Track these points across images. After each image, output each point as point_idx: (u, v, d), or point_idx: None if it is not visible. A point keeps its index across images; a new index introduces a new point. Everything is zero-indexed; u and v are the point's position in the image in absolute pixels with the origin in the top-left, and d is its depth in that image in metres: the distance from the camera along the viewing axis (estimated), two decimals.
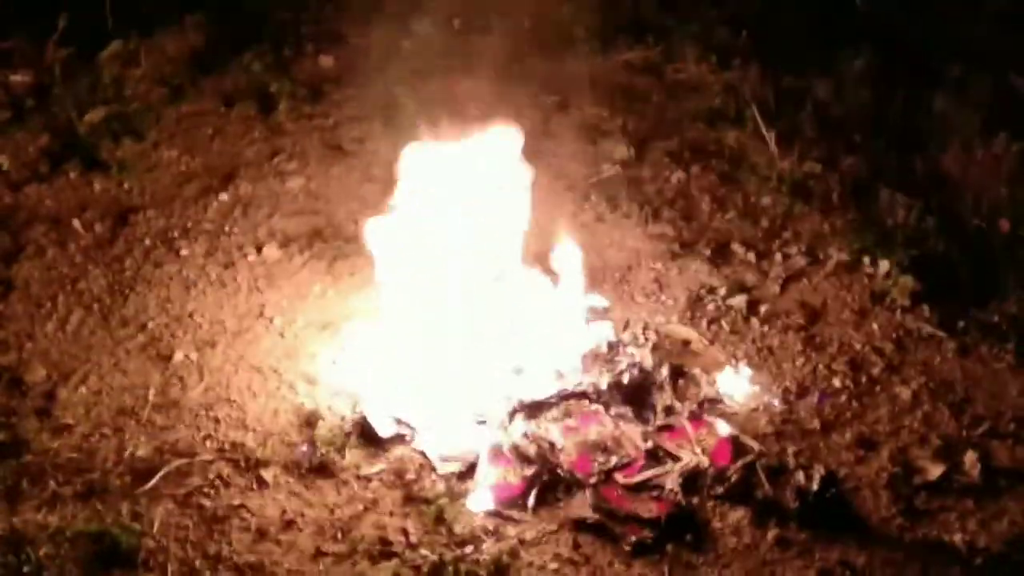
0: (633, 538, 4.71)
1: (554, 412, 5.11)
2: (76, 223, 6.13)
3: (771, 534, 4.76)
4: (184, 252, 6.00)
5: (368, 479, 4.91)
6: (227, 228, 6.17)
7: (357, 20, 7.24)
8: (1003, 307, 5.84)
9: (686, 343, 5.60)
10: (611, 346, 5.37)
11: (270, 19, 7.65)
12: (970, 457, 5.09)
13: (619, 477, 4.91)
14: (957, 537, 4.80)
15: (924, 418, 5.30)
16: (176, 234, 6.11)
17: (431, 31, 7.20)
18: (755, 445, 5.06)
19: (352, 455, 5.00)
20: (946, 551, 4.76)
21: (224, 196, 6.37)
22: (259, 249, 6.03)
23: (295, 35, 7.54)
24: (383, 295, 5.46)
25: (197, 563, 4.55)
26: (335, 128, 6.89)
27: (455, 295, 5.30)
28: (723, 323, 5.73)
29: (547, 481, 4.90)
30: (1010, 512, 4.91)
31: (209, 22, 7.56)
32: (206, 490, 4.82)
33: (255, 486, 4.85)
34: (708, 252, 6.12)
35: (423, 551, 4.62)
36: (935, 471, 5.04)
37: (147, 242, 6.05)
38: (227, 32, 7.47)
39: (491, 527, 4.76)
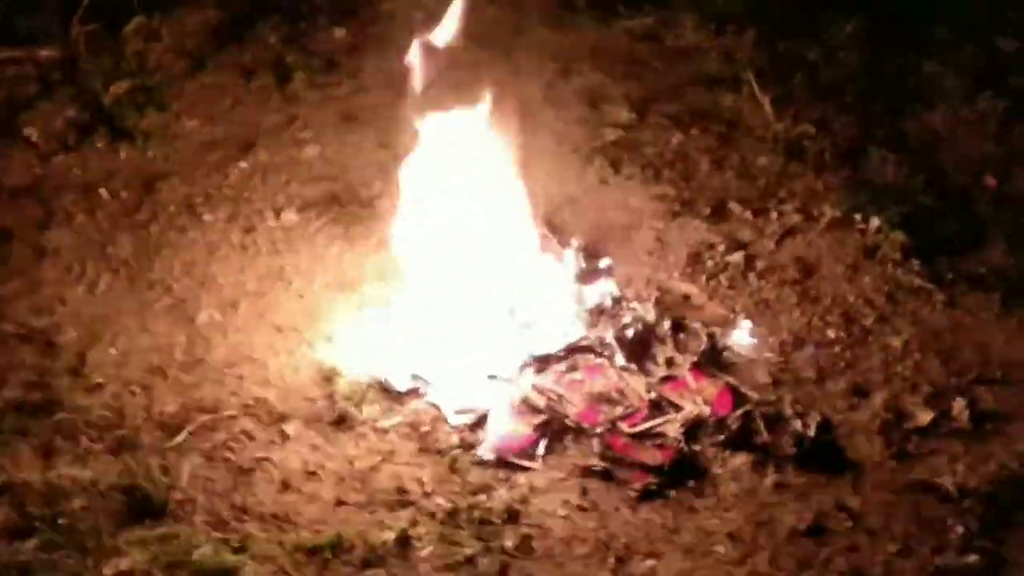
0: (638, 484, 4.83)
1: (561, 365, 5.24)
2: (103, 191, 6.22)
3: (769, 479, 4.88)
4: (207, 218, 6.09)
5: (385, 431, 5.01)
6: (247, 195, 6.25)
7: None
8: (989, 260, 5.95)
9: (687, 298, 5.70)
10: (615, 302, 5.49)
11: None
12: (959, 403, 5.20)
13: (624, 426, 5.02)
14: (947, 479, 4.89)
15: (914, 367, 5.41)
16: (199, 200, 6.19)
17: (440, 3, 7.22)
18: (754, 394, 5.18)
19: (369, 409, 5.10)
20: (936, 493, 4.85)
21: (244, 164, 6.45)
22: (278, 214, 6.11)
23: (309, 8, 7.56)
24: (399, 257, 5.58)
25: (224, 513, 4.65)
26: (349, 97, 6.93)
27: (467, 259, 5.43)
28: (722, 278, 5.82)
29: (555, 431, 5.02)
30: (997, 455, 5.01)
31: None
32: (231, 444, 4.92)
33: (278, 439, 4.96)
34: (707, 211, 6.19)
35: (438, 499, 4.74)
36: (925, 417, 5.15)
37: (171, 208, 6.13)
38: (244, 6, 7.52)
39: (502, 476, 4.87)
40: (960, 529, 4.70)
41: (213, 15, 7.48)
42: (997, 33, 7.32)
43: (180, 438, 4.94)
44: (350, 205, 6.18)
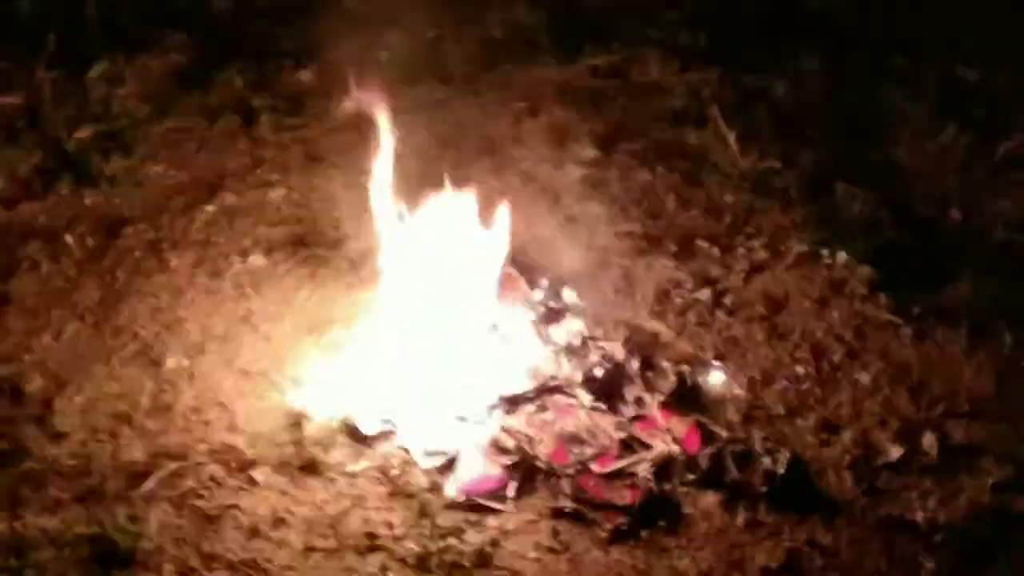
0: (609, 525, 4.83)
1: (531, 406, 5.24)
2: (68, 238, 6.17)
3: (741, 517, 4.88)
4: (173, 262, 6.05)
5: (354, 475, 5.00)
6: (214, 238, 6.22)
7: (334, 34, 7.16)
8: (955, 293, 5.95)
9: (655, 336, 5.69)
10: (583, 341, 5.49)
11: (250, 36, 7.71)
12: (928, 438, 5.23)
13: (595, 467, 5.02)
14: (918, 515, 4.93)
15: (884, 401, 5.42)
16: (165, 245, 6.16)
17: (405, 42, 7.23)
18: (723, 432, 5.19)
19: (339, 453, 5.09)
20: (908, 528, 4.89)
21: (210, 207, 6.42)
22: (245, 257, 6.09)
23: (274, 51, 7.59)
24: (368, 301, 5.61)
25: (192, 562, 4.64)
26: (315, 139, 6.94)
27: (436, 302, 5.41)
28: (690, 316, 5.82)
29: (526, 472, 5.01)
30: (968, 489, 5.03)
31: (191, 40, 7.63)
32: (200, 491, 4.91)
33: (247, 486, 4.94)
34: (674, 248, 6.20)
35: (409, 543, 4.74)
36: (895, 452, 5.18)
37: (137, 254, 6.10)
38: (208, 50, 7.55)
39: (473, 518, 4.86)
40: (932, 565, 4.73)
41: (177, 59, 7.51)
42: (958, 63, 7.34)
43: (148, 486, 4.92)
44: (317, 247, 6.17)
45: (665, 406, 5.27)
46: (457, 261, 5.46)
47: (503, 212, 5.45)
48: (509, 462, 5.03)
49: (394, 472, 5.03)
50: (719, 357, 5.62)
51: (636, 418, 5.24)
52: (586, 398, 5.26)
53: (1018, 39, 7.40)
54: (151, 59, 7.47)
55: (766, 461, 5.04)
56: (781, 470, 5.01)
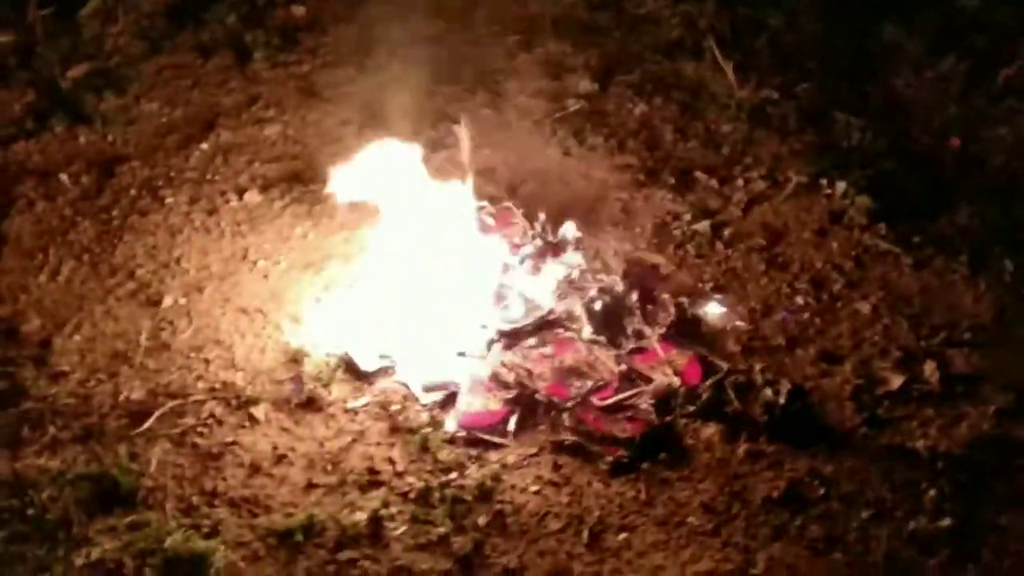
0: (610, 458, 4.84)
1: (530, 340, 5.24)
2: (63, 176, 6.17)
3: (742, 448, 4.89)
4: (169, 200, 6.05)
5: (355, 412, 5.02)
6: (209, 176, 6.21)
7: None
8: (955, 221, 5.93)
9: (654, 268, 5.68)
10: (582, 274, 5.47)
11: None
12: (929, 366, 5.22)
13: (595, 400, 5.03)
14: (919, 443, 4.93)
15: (884, 331, 5.41)
16: (160, 183, 6.15)
17: None
18: (723, 364, 5.19)
19: (338, 389, 5.10)
20: (909, 456, 4.89)
21: (205, 145, 6.41)
22: (241, 195, 6.08)
23: None
24: (366, 237, 5.59)
25: (194, 499, 4.68)
26: (310, 75, 6.89)
27: (431, 235, 5.41)
28: (689, 248, 5.81)
29: (526, 407, 5.01)
30: (968, 417, 5.04)
31: None
32: (200, 429, 4.94)
33: (247, 423, 4.97)
34: (672, 180, 6.17)
35: (410, 478, 4.76)
36: (896, 381, 5.17)
37: (133, 192, 6.10)
38: None
39: (474, 453, 4.88)
40: (933, 493, 4.73)
41: None
42: None
43: (148, 424, 4.94)
44: (313, 184, 6.12)
45: (665, 338, 5.27)
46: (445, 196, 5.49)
47: (462, 131, 5.44)
48: (509, 396, 5.03)
49: (394, 408, 5.04)
50: (719, 289, 5.61)
51: (636, 351, 5.24)
52: (586, 331, 5.26)
53: None
54: None
55: (767, 392, 5.05)
56: (782, 401, 5.02)
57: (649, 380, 5.10)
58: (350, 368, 5.17)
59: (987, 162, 6.29)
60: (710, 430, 4.96)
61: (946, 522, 4.63)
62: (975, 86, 6.67)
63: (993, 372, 5.23)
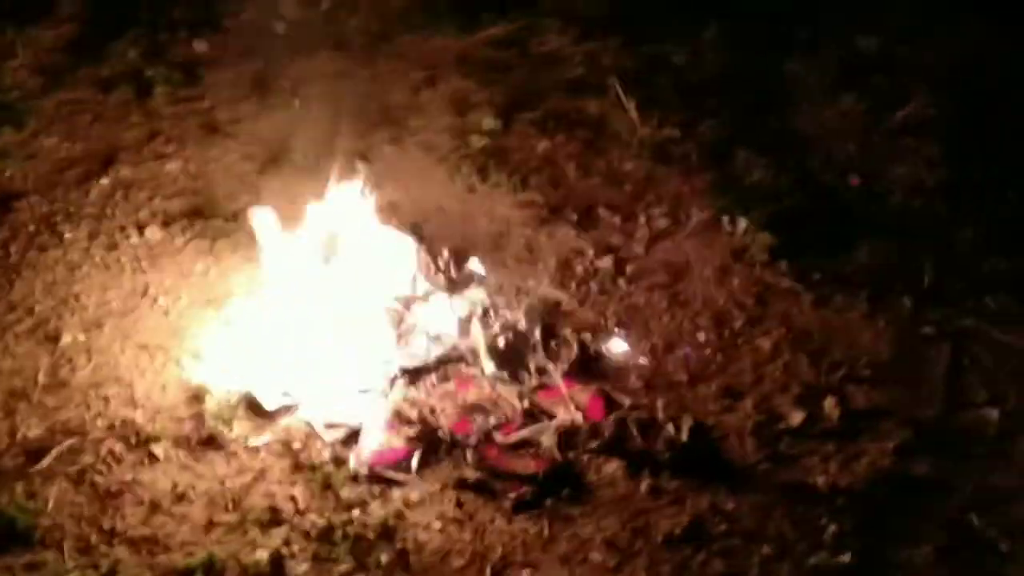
0: (513, 495, 4.82)
1: (433, 377, 5.23)
2: None
3: (644, 484, 4.88)
4: (68, 236, 5.99)
5: (256, 450, 4.99)
6: (109, 211, 6.16)
7: (229, 4, 7.20)
8: (855, 259, 5.96)
9: (557, 305, 5.68)
10: (485, 311, 5.47)
11: (143, 5, 7.56)
12: (829, 402, 5.23)
13: (498, 437, 5.03)
14: (820, 479, 4.93)
15: (785, 367, 5.42)
16: (59, 219, 6.09)
17: (301, 12, 7.18)
18: (626, 400, 5.19)
19: (240, 427, 5.06)
20: (810, 492, 4.90)
21: (105, 180, 6.35)
22: (141, 231, 6.03)
23: (168, 20, 7.46)
24: (265, 272, 5.53)
25: (93, 538, 4.62)
26: (211, 110, 6.86)
27: (335, 273, 5.41)
28: (592, 284, 5.81)
29: (429, 443, 5.00)
30: (868, 453, 5.05)
31: (83, 10, 7.50)
32: (98, 467, 4.87)
33: (146, 461, 4.91)
34: (575, 217, 6.18)
35: (312, 516, 4.72)
36: (797, 417, 5.18)
37: (31, 228, 6.04)
38: (101, 20, 7.42)
39: (376, 491, 4.85)
40: (833, 528, 4.74)
41: (69, 29, 7.39)
42: (857, 33, 7.37)
43: (45, 462, 4.88)
44: (215, 219, 6.11)
45: (568, 375, 5.28)
46: (350, 232, 5.47)
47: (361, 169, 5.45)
48: (412, 433, 5.01)
49: (296, 446, 5.01)
50: (621, 325, 5.61)
51: (539, 387, 5.24)
52: (488, 368, 5.26)
53: (915, 9, 7.44)
54: (42, 30, 7.37)
55: (669, 428, 5.05)
56: (684, 437, 5.03)
57: (552, 416, 5.10)
58: (252, 405, 5.13)
59: (887, 200, 6.34)
60: (613, 466, 4.95)
61: (846, 558, 4.64)
62: (874, 124, 6.75)
63: (892, 408, 5.25)
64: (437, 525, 4.74)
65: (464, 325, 5.39)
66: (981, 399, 5.32)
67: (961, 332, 5.63)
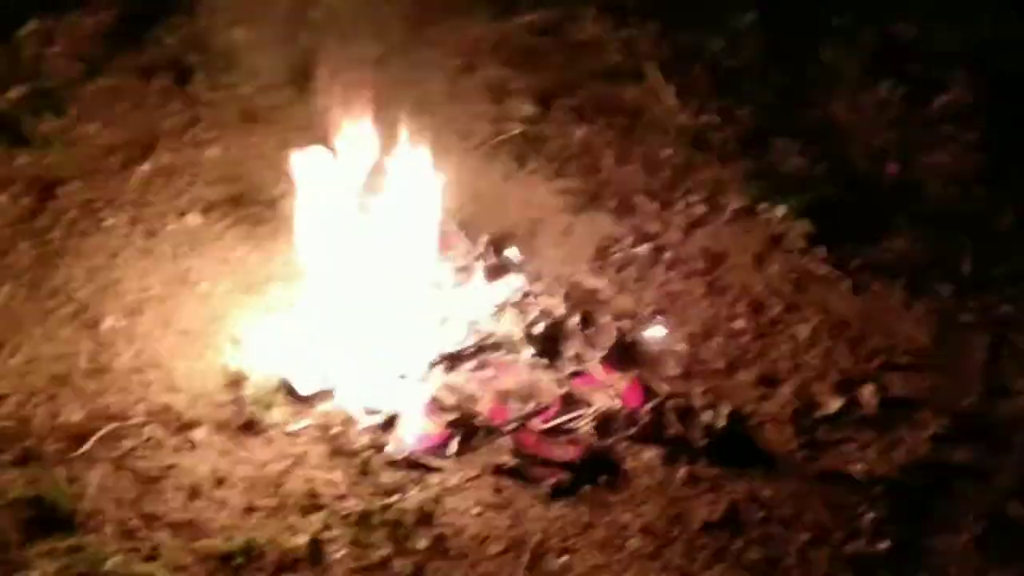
0: (551, 481, 4.84)
1: (471, 363, 5.25)
2: (2, 197, 6.12)
3: (682, 471, 4.90)
4: (109, 222, 6.01)
5: (295, 435, 4.99)
6: (149, 198, 6.17)
7: None
8: (893, 246, 5.98)
9: (595, 292, 5.69)
10: (523, 297, 5.50)
11: None
12: (867, 389, 5.25)
13: (536, 423, 5.04)
14: (857, 466, 4.96)
15: (823, 354, 5.44)
16: (100, 205, 6.11)
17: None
18: (663, 387, 5.21)
19: (279, 412, 5.07)
20: (847, 480, 4.92)
21: (145, 167, 6.35)
22: (181, 217, 6.05)
23: (208, 7, 7.39)
24: (304, 256, 5.50)
25: (133, 522, 4.63)
26: (250, 97, 6.88)
27: (375, 256, 5.37)
28: (629, 271, 5.83)
29: (467, 429, 5.01)
30: (906, 441, 5.07)
31: None
32: (139, 452, 4.89)
33: (186, 446, 4.93)
34: (613, 204, 6.20)
35: (350, 502, 4.74)
36: (835, 404, 5.20)
37: (72, 214, 6.05)
38: (139, 7, 7.43)
39: (414, 476, 4.86)
40: (871, 516, 4.76)
41: (108, 17, 7.40)
42: (895, 19, 7.34)
43: (87, 447, 4.89)
44: (254, 206, 6.13)
45: (605, 361, 5.29)
46: (393, 219, 5.43)
47: (433, 167, 5.42)
48: (450, 419, 5.02)
49: (335, 430, 5.01)
50: (659, 312, 5.61)
51: (576, 374, 5.25)
52: (526, 354, 5.28)
53: None
54: (82, 17, 7.36)
55: (706, 415, 5.06)
56: (721, 424, 5.03)
57: (589, 403, 5.11)
58: (290, 391, 5.14)
59: (924, 187, 6.35)
60: (650, 453, 4.97)
61: (884, 545, 4.66)
62: (912, 112, 6.75)
63: (930, 396, 5.27)
64: (475, 511, 4.76)
65: (502, 311, 5.42)
66: (1020, 387, 5.35)
67: (1000, 319, 5.65)
